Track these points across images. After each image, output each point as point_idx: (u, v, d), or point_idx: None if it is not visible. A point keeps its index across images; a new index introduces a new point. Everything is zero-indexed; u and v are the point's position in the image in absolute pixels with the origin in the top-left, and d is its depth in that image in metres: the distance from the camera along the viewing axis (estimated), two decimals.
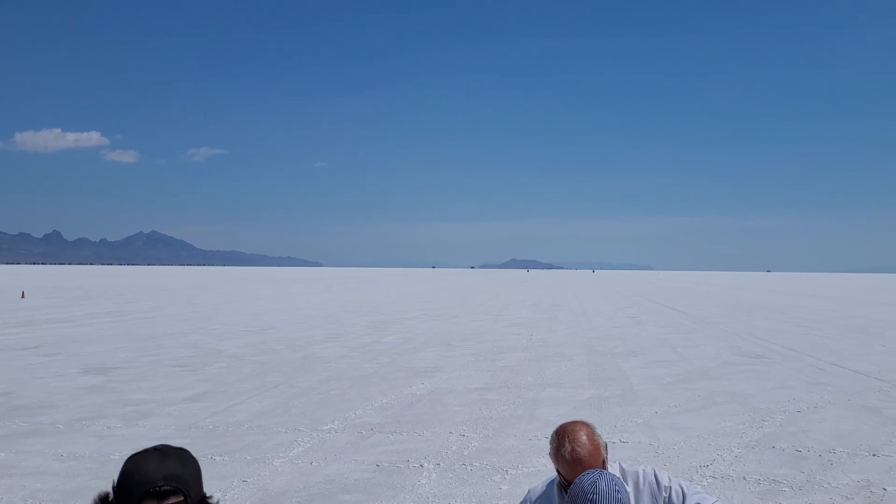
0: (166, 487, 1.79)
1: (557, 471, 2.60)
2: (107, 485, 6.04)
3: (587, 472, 2.30)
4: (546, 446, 7.65)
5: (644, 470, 2.68)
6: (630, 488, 2.61)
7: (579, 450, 2.51)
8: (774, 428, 8.43)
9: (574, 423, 2.63)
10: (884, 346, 17.42)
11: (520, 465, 6.76)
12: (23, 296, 37.28)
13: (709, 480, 6.32)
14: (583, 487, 2.24)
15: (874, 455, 7.26)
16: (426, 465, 6.76)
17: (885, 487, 6.17)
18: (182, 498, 1.81)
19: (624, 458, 6.97)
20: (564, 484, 2.54)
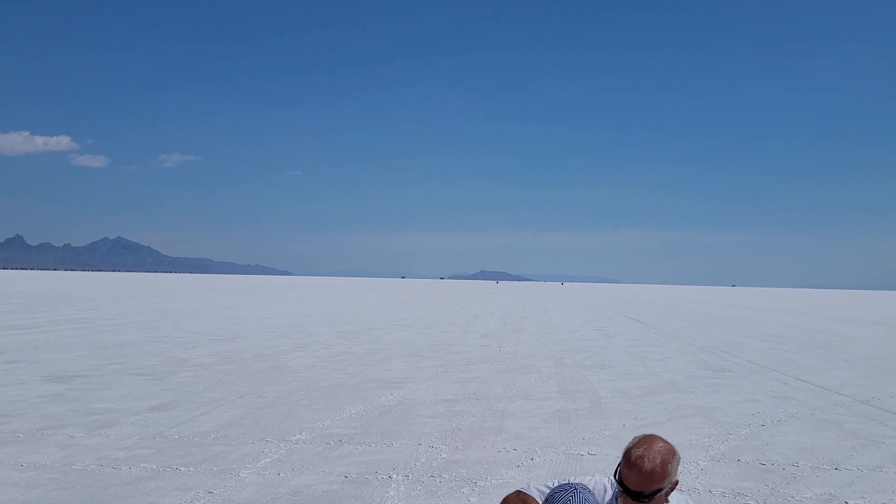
0: None
1: (618, 466, 2.57)
2: (69, 496, 5.91)
3: (562, 488, 2.29)
4: (515, 458, 7.68)
5: None
6: None
7: (646, 462, 2.47)
8: (739, 441, 8.54)
9: (662, 440, 2.55)
10: (846, 361, 17.75)
11: (489, 477, 6.75)
12: None
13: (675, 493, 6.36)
14: None
15: (836, 469, 7.38)
16: (395, 476, 6.73)
17: (847, 501, 6.28)
18: None
19: (593, 471, 7.01)
20: (618, 479, 2.53)
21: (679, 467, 2.61)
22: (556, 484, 2.59)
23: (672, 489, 2.57)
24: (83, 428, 8.52)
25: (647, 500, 2.47)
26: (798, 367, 16.31)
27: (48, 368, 13.36)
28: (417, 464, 7.20)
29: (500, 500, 2.63)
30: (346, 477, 6.69)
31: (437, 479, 6.66)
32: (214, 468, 6.87)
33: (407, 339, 21.03)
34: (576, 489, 2.27)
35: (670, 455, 2.53)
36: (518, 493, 2.62)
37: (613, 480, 2.68)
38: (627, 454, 2.53)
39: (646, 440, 2.56)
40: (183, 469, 6.82)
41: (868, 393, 12.58)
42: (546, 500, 2.30)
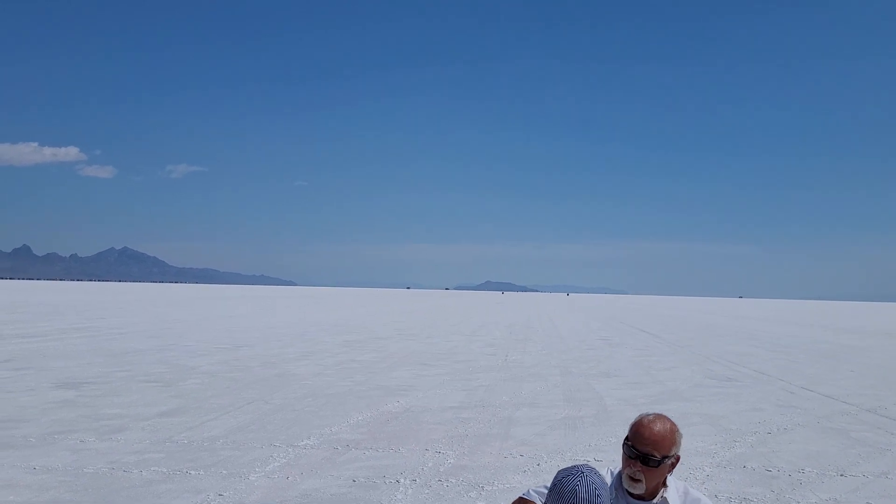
0: None
1: (626, 439, 2.67)
2: (81, 498, 6.01)
3: (568, 472, 2.34)
4: (522, 463, 7.73)
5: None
6: None
7: (658, 424, 2.61)
8: (745, 448, 8.57)
9: (670, 419, 2.70)
10: (852, 371, 17.74)
11: (495, 482, 6.81)
12: None
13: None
14: (562, 493, 2.27)
15: (842, 475, 7.41)
16: (402, 480, 6.79)
17: None
18: None
19: None
20: (626, 442, 2.64)
21: (682, 443, 2.70)
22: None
23: (674, 466, 2.65)
24: (94, 433, 8.60)
25: (655, 465, 2.55)
26: (804, 376, 16.31)
27: (58, 375, 13.46)
28: (425, 468, 7.26)
29: None
30: (353, 481, 6.75)
31: (445, 484, 6.72)
32: (224, 472, 6.94)
33: (413, 348, 21.08)
34: (582, 472, 2.30)
35: (677, 427, 2.65)
36: (520, 499, 2.68)
37: (612, 470, 2.76)
38: (638, 420, 2.66)
39: (654, 414, 2.68)
40: (193, 472, 6.89)
41: (874, 402, 12.59)
42: (552, 484, 2.34)
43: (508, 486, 6.69)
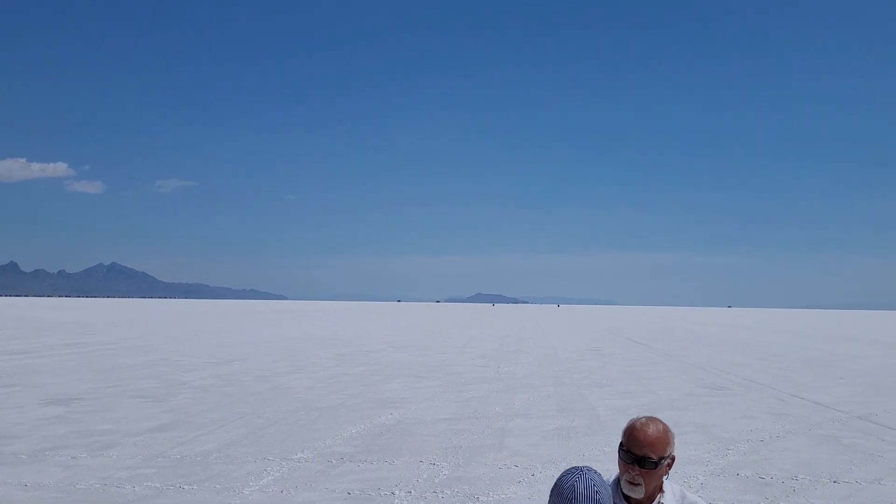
0: None
1: (621, 445, 2.68)
2: None
3: (568, 472, 2.36)
4: (516, 474, 7.73)
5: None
6: None
7: (651, 427, 2.61)
8: (738, 456, 8.60)
9: (661, 421, 2.71)
10: (842, 379, 17.84)
11: (490, 493, 6.80)
12: None
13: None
14: (561, 489, 2.29)
15: (835, 482, 7.45)
16: (397, 492, 6.77)
17: None
18: None
19: None
20: (624, 450, 2.64)
21: (675, 443, 2.72)
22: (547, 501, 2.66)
23: (670, 466, 2.66)
24: (85, 449, 8.55)
25: (653, 467, 2.56)
26: (795, 384, 16.39)
27: (47, 392, 13.37)
28: (419, 480, 7.24)
29: None
30: (348, 493, 6.74)
31: (440, 495, 6.71)
32: (218, 486, 6.91)
33: (405, 361, 21.06)
34: (581, 471, 2.32)
35: (669, 428, 2.66)
36: None
37: (609, 478, 2.77)
38: (631, 425, 2.66)
39: (645, 417, 2.69)
40: (186, 487, 6.86)
41: (865, 409, 12.66)
42: (554, 485, 2.36)
43: (503, 496, 6.69)
